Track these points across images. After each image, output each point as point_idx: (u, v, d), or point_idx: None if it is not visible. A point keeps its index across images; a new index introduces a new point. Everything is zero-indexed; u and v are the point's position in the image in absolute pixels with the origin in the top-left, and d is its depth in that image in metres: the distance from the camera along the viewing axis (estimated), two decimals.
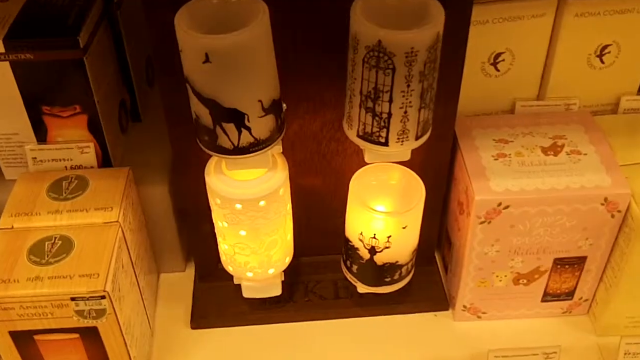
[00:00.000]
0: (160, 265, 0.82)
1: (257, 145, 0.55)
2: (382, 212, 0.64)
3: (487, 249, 0.68)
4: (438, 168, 0.70)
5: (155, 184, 0.75)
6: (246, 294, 0.71)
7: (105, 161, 0.74)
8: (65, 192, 0.69)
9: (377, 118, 0.54)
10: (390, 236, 0.63)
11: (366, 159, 0.59)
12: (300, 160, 0.68)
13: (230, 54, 0.49)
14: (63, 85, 0.68)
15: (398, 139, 0.55)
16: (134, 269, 0.69)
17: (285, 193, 0.61)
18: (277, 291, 0.71)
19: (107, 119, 0.72)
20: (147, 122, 0.83)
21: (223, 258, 0.67)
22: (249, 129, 0.53)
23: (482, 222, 0.66)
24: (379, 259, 0.65)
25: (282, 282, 0.72)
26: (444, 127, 0.66)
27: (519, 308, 0.75)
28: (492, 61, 0.73)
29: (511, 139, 0.70)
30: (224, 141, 0.54)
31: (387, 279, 0.68)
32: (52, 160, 0.72)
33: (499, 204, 0.65)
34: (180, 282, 0.81)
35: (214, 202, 0.61)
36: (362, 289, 0.70)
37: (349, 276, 0.70)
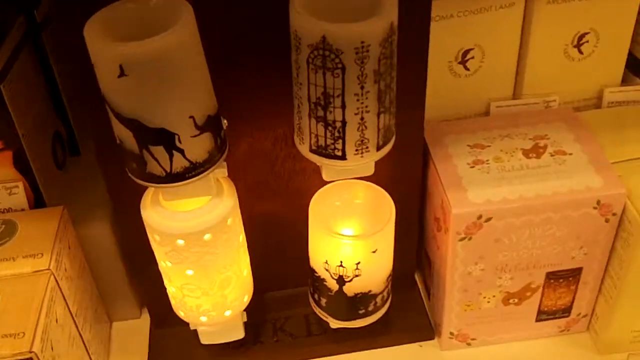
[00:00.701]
0: (112, 313, 0.74)
1: (193, 170, 0.47)
2: (347, 235, 0.56)
3: (471, 268, 0.61)
4: (408, 182, 0.63)
5: (95, 223, 0.67)
6: (204, 340, 0.63)
7: (38, 202, 0.66)
8: None
9: (330, 128, 0.47)
10: (359, 263, 0.55)
11: (324, 177, 0.52)
12: (253, 183, 0.61)
13: (148, 63, 0.42)
14: None
15: (357, 150, 0.48)
16: (74, 321, 0.61)
17: (235, 222, 0.53)
18: (239, 334, 0.63)
19: (36, 155, 0.64)
20: (88, 155, 0.75)
21: (172, 302, 0.59)
22: (181, 151, 0.46)
23: (462, 239, 0.59)
24: (349, 289, 0.58)
25: (246, 322, 0.64)
26: (411, 134, 0.59)
27: (511, 330, 0.67)
28: (460, 59, 0.67)
29: (488, 144, 0.64)
30: (153, 167, 0.47)
31: (361, 311, 0.60)
32: None
33: (480, 217, 0.57)
34: (136, 330, 0.73)
35: (153, 240, 0.53)
36: (334, 324, 0.62)
37: (318, 311, 0.62)
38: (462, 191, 0.59)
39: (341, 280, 0.57)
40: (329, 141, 0.47)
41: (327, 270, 0.57)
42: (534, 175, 0.59)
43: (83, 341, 0.63)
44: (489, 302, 0.64)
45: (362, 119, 0.46)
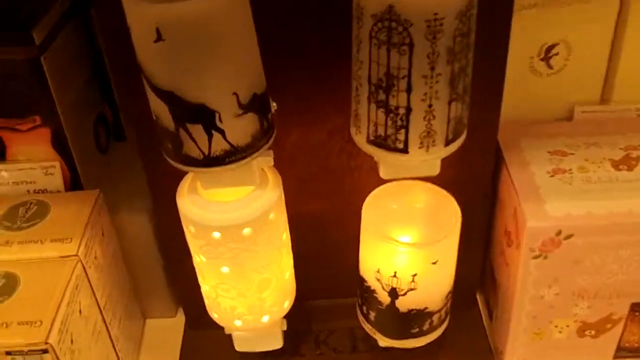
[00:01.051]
0: (147, 310, 0.69)
1: (234, 154, 0.42)
2: (404, 243, 0.49)
3: (544, 292, 0.54)
4: (477, 187, 0.56)
5: (133, 212, 0.62)
6: (239, 346, 0.57)
7: (74, 184, 0.62)
8: (20, 221, 0.57)
9: (391, 115, 0.40)
10: (415, 275, 0.49)
11: (381, 174, 0.46)
12: (302, 178, 0.55)
13: (188, 27, 0.37)
14: (18, 91, 0.56)
15: (422, 143, 0.41)
16: (102, 313, 0.57)
17: (278, 218, 0.48)
18: (277, 344, 0.57)
19: (76, 135, 0.60)
20: (135, 142, 0.71)
21: (206, 302, 0.54)
22: (222, 132, 0.41)
23: (536, 257, 0.51)
24: (403, 304, 0.51)
25: (285, 331, 0.58)
26: (483, 133, 0.53)
27: None
28: (542, 56, 0.59)
29: (571, 151, 0.56)
30: (190, 148, 0.41)
31: (415, 330, 0.53)
32: (12, 183, 0.61)
33: (559, 233, 0.50)
34: (170, 329, 0.69)
35: (188, 231, 0.48)
36: (383, 342, 0.55)
37: (366, 326, 0.56)
38: (539, 202, 0.51)
39: (394, 293, 0.51)
40: (389, 131, 0.41)
41: (378, 280, 0.51)
42: (625, 189, 0.52)
43: (110, 336, 0.58)
44: (561, 332, 0.57)
45: (430, 106, 0.40)
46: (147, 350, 0.67)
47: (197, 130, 0.40)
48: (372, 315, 0.54)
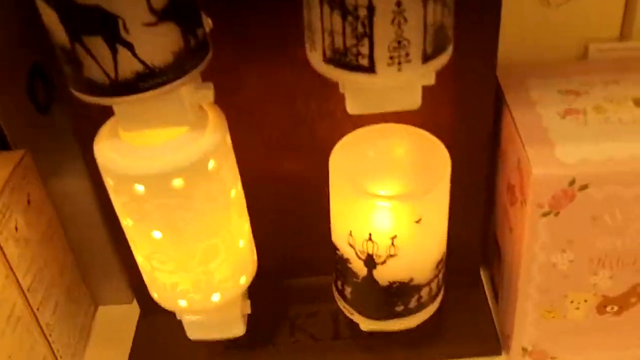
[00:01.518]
0: (99, 295, 0.60)
1: (150, 77, 0.33)
2: (379, 196, 0.40)
3: (556, 258, 0.44)
4: (473, 135, 0.46)
5: (72, 178, 0.53)
6: (191, 334, 0.48)
7: (2, 144, 0.53)
8: None
9: (350, 19, 0.31)
10: (395, 237, 0.39)
11: (348, 108, 0.36)
12: (265, 129, 0.46)
13: None
14: None
15: (391, 58, 0.32)
16: (25, 296, 0.48)
17: (222, 169, 0.39)
18: (237, 330, 0.48)
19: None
20: None
21: (144, 279, 0.44)
22: (129, 46, 0.31)
23: (545, 214, 0.42)
24: (382, 275, 0.42)
25: (253, 316, 0.49)
26: (478, 71, 0.43)
27: (607, 348, 0.50)
28: None
29: (586, 89, 0.46)
30: (92, 70, 0.32)
31: (400, 308, 0.44)
32: None
33: (572, 182, 0.40)
34: (126, 317, 0.59)
35: (108, 186, 0.39)
36: (364, 324, 0.46)
37: (341, 304, 0.47)
38: (547, 147, 0.42)
39: (370, 262, 0.41)
40: (349, 41, 0.32)
41: (351, 246, 0.41)
42: None
43: (39, 324, 0.49)
44: (578, 308, 0.47)
45: (398, 3, 0.30)
46: (96, 341, 0.58)
47: (97, 44, 0.31)
48: (348, 291, 0.45)
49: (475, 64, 0.44)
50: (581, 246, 0.43)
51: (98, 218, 0.55)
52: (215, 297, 0.43)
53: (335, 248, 0.44)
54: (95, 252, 0.58)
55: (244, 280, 0.45)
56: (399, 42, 0.32)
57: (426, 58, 0.33)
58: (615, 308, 0.47)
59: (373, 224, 0.40)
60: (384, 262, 0.41)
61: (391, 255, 0.40)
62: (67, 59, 0.33)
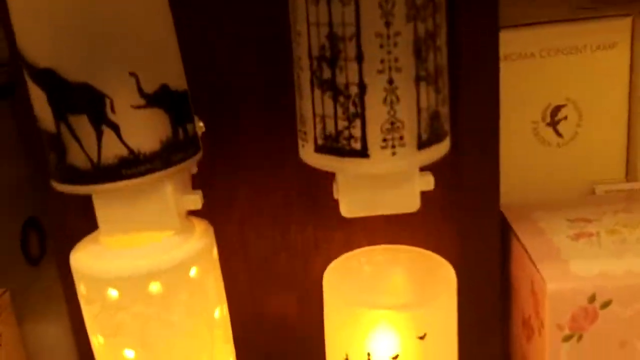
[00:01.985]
0: None
1: (134, 164, 0.31)
2: (379, 306, 0.36)
3: None
4: (482, 266, 0.44)
5: (53, 324, 0.50)
6: None
7: None
8: None
9: (341, 99, 0.31)
10: (397, 357, 0.35)
11: (342, 210, 0.34)
12: (254, 261, 0.44)
13: None
14: None
15: (385, 141, 0.31)
16: None
17: (206, 279, 0.36)
18: None
19: None
20: None
21: None
22: (114, 127, 0.31)
23: (567, 338, 0.38)
24: None
25: None
26: (481, 194, 0.42)
27: None
28: (549, 120, 0.50)
29: (597, 217, 0.45)
30: (75, 155, 0.31)
31: None
32: None
33: (592, 298, 0.37)
34: None
35: (80, 295, 0.36)
36: None
37: None
38: (561, 263, 0.39)
39: None
40: (341, 124, 0.31)
41: None
42: None
43: None
44: None
45: (390, 81, 0.30)
46: None
47: (82, 123, 0.31)
48: None
49: (478, 199, 0.43)
50: None
51: None
52: None
53: None
54: None
55: None
56: (392, 124, 0.31)
57: (421, 144, 0.32)
58: None
59: (371, 342, 0.36)
60: None
61: None
62: (51, 145, 0.32)
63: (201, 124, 0.36)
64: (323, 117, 0.32)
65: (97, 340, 0.36)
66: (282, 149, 0.41)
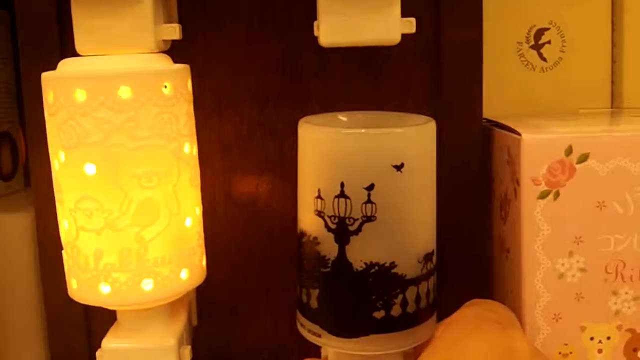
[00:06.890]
0: None
1: None
2: (353, 129, 0.38)
3: (562, 263, 0.40)
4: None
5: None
6: None
7: None
8: None
9: None
10: (372, 186, 0.37)
11: (321, 39, 0.38)
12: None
13: None
14: None
15: None
16: None
17: (177, 104, 0.38)
18: None
19: None
20: None
21: (65, 260, 0.40)
22: None
23: (543, 195, 0.39)
24: (356, 253, 0.38)
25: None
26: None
27: None
28: (532, 42, 0.54)
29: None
30: None
31: (378, 313, 0.38)
32: None
33: (569, 151, 0.39)
34: None
35: (46, 106, 0.37)
36: (329, 343, 0.40)
37: (306, 327, 0.41)
38: (540, 127, 0.41)
39: (343, 232, 0.37)
40: None
41: (320, 214, 0.38)
42: None
43: None
44: (600, 351, 0.41)
45: None
46: None
47: None
48: (315, 295, 0.40)
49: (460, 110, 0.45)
50: (591, 246, 0.40)
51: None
52: (147, 285, 0.38)
53: (300, 236, 0.40)
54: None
55: (186, 276, 0.40)
56: None
57: None
58: None
59: (345, 171, 0.37)
60: (358, 230, 0.37)
61: (367, 217, 0.37)
62: None
63: None
64: None
65: (58, 160, 0.37)
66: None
